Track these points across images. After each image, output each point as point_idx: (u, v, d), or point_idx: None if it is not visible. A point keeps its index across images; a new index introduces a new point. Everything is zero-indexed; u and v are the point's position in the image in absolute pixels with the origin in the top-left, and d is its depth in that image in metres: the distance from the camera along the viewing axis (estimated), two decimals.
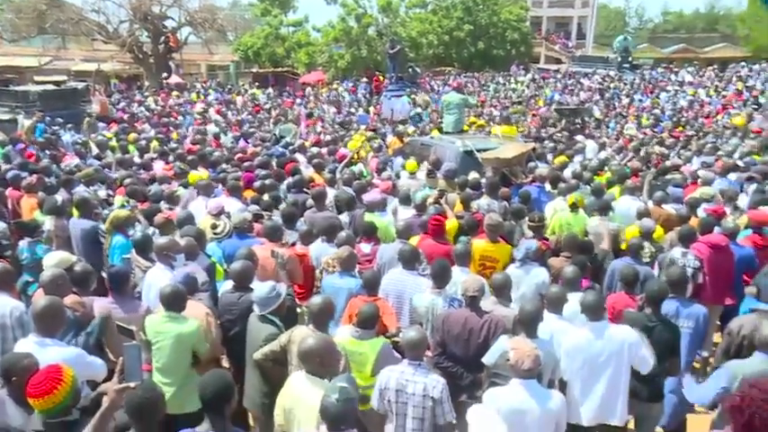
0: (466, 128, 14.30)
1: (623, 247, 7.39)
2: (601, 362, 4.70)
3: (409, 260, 6.08)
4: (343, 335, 4.90)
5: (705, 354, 6.94)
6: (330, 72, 42.05)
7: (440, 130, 14.61)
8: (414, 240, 6.94)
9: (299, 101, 29.44)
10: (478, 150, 10.66)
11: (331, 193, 8.90)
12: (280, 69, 43.78)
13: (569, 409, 4.70)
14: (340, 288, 5.93)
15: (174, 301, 4.88)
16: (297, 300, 6.25)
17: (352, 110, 25.66)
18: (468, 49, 45.25)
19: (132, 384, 3.36)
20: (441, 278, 5.65)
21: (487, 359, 4.73)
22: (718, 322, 7.07)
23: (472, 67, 42.74)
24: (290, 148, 13.20)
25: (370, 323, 4.85)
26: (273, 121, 20.48)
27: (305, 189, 9.09)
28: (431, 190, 9.05)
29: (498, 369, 4.55)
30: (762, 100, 22.86)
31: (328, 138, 15.67)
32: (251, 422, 5.45)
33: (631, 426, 5.26)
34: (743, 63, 35.48)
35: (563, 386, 4.82)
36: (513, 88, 31.76)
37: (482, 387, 4.74)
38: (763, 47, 43.31)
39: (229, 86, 37.02)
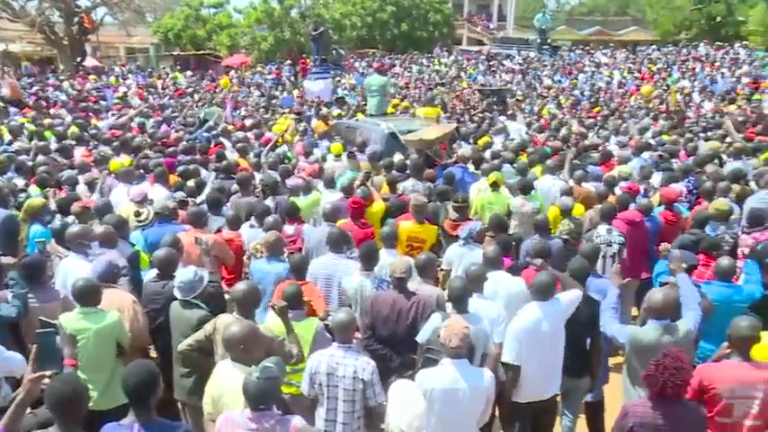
0: (391, 110, 14.32)
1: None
2: (548, 341, 4.78)
3: (337, 243, 6.09)
4: (273, 319, 4.85)
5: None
6: (253, 55, 41.23)
7: (363, 112, 14.58)
8: (341, 223, 6.93)
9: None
10: (403, 132, 10.69)
11: (257, 178, 8.76)
12: (201, 52, 42.64)
13: (519, 387, 4.85)
14: (268, 273, 5.88)
15: (86, 296, 4.67)
16: (225, 286, 6.15)
17: (277, 93, 25.27)
18: (392, 31, 45.20)
19: (48, 373, 3.22)
20: (368, 260, 5.69)
21: (421, 337, 4.78)
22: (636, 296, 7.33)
23: (396, 49, 42.70)
24: (213, 132, 12.91)
25: (294, 302, 4.83)
26: (199, 104, 19.95)
27: (231, 174, 8.92)
28: (353, 172, 9.04)
29: (432, 345, 4.61)
30: (669, 82, 23.79)
31: (252, 121, 15.37)
32: (181, 412, 5.35)
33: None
34: (653, 46, 36.88)
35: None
36: (436, 70, 31.96)
37: (414, 367, 4.78)
38: (669, 31, 45.09)
39: (150, 70, 35.77)
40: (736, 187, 8.15)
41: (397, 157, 9.69)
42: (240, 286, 4.74)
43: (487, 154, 10.41)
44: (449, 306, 4.94)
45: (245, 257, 6.64)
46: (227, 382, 3.94)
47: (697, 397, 4.17)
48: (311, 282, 5.79)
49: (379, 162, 9.53)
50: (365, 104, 15.01)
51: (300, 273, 5.68)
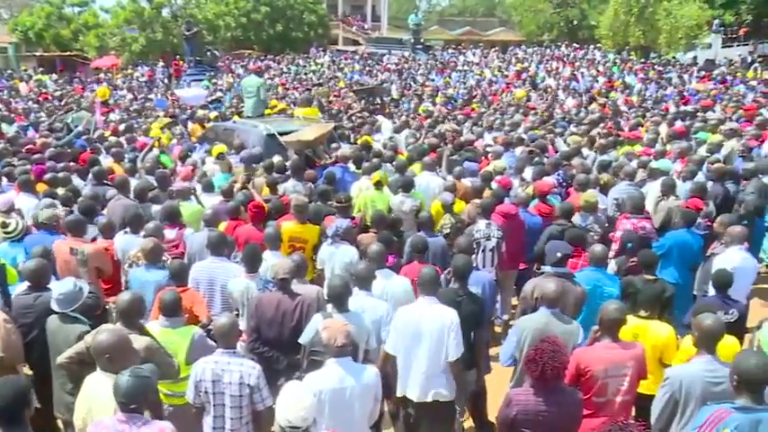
0: (269, 111, 14.15)
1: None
2: (427, 336, 4.75)
3: (217, 247, 6.01)
4: (153, 329, 4.68)
5: (506, 317, 7.50)
6: (124, 56, 39.43)
7: (240, 114, 14.32)
8: (222, 227, 6.79)
9: (94, 86, 27.29)
10: (281, 133, 10.57)
11: (132, 183, 8.38)
12: (68, 53, 40.32)
13: (399, 381, 4.87)
14: (147, 281, 5.68)
15: None
16: (105, 297, 5.90)
17: (151, 96, 24.33)
18: (267, 32, 44.66)
19: None
20: (252, 262, 5.67)
21: (303, 339, 4.76)
22: (515, 286, 7.60)
23: (272, 50, 42.22)
24: (86, 137, 12.23)
25: (172, 309, 4.70)
26: (65, 109, 18.82)
27: (105, 181, 8.51)
28: (225, 175, 8.90)
29: (315, 347, 4.58)
30: (537, 81, 25.00)
31: (124, 125, 14.69)
32: (60, 428, 5.05)
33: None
34: (521, 46, 38.64)
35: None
36: (313, 70, 31.90)
37: (300, 368, 4.74)
38: (533, 32, 47.46)
39: (10, 71, 33.32)
40: (604, 177, 8.67)
41: (277, 159, 9.58)
42: (124, 297, 4.57)
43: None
44: (329, 306, 4.93)
45: (125, 266, 6.34)
46: (95, 394, 3.78)
47: (575, 381, 4.36)
48: (193, 287, 5.65)
49: (258, 164, 9.38)
50: (242, 106, 14.74)
51: (181, 279, 5.52)
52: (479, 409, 5.75)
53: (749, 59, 29.20)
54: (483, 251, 6.95)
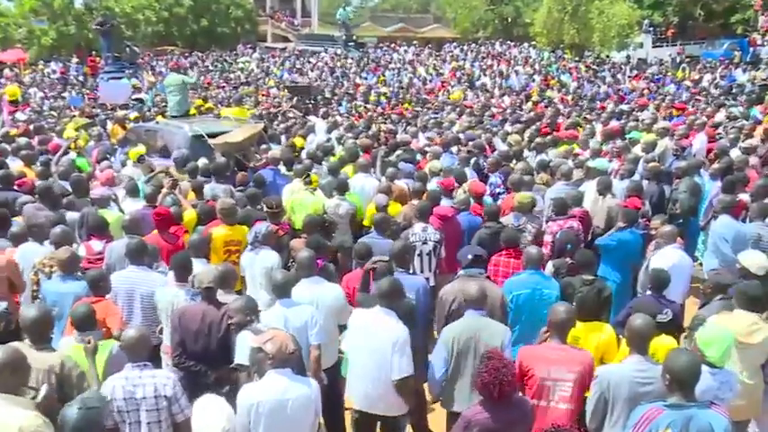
0: (193, 111, 13.87)
1: (366, 223, 7.71)
2: (375, 350, 4.71)
3: (137, 255, 5.86)
4: (67, 344, 4.54)
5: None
6: (33, 50, 37.90)
7: (164, 115, 14.01)
8: (147, 238, 6.58)
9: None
10: (208, 135, 10.38)
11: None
12: None
13: (348, 383, 4.87)
14: (65, 293, 5.48)
15: None
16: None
17: (65, 94, 23.52)
18: (191, 27, 43.91)
19: None
20: (181, 271, 5.55)
21: (240, 359, 4.60)
22: None
23: (196, 46, 41.46)
24: None
25: (85, 323, 4.54)
26: None
27: (11, 185, 8.14)
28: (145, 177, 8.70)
29: (250, 363, 4.45)
30: (473, 79, 25.38)
31: (34, 125, 14.12)
32: None
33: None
34: (455, 43, 39.16)
35: None
36: (240, 68, 31.50)
37: (231, 381, 4.68)
38: (467, 29, 48.19)
39: None
40: (543, 176, 8.83)
41: (203, 161, 9.39)
42: (30, 312, 4.34)
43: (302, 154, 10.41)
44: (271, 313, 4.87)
45: (30, 275, 6.05)
46: None
47: (518, 379, 4.42)
48: (110, 298, 5.49)
49: (184, 167, 9.19)
50: (165, 106, 14.41)
51: (99, 289, 5.35)
52: (419, 420, 5.74)
53: (678, 59, 30.46)
54: (420, 255, 6.91)
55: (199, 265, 5.74)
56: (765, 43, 31.68)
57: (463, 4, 48.54)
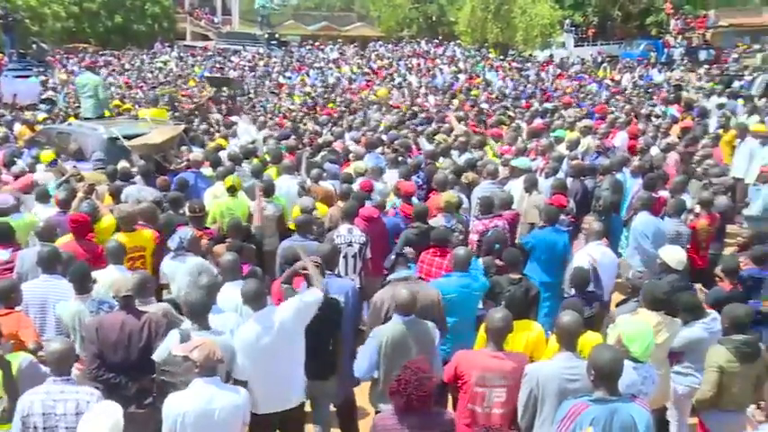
0: (107, 112, 13.46)
1: (291, 226, 7.65)
2: (271, 350, 4.69)
3: (50, 264, 5.66)
4: None
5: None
6: None
7: (77, 116, 13.55)
8: (63, 241, 6.41)
9: None
10: (126, 137, 10.08)
11: None
12: None
13: (256, 402, 4.72)
14: None
15: None
16: None
17: None
18: (104, 24, 42.46)
19: None
20: (80, 282, 5.37)
21: (158, 355, 4.56)
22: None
23: (111, 44, 40.12)
24: None
25: None
26: None
27: None
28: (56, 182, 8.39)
29: (167, 366, 4.44)
30: (398, 78, 25.51)
31: None
32: None
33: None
34: (380, 42, 39.31)
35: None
36: (159, 67, 30.73)
37: (152, 393, 4.59)
38: (392, 28, 48.46)
39: None
40: (469, 176, 8.97)
41: (122, 164, 9.12)
42: None
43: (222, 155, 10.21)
44: (187, 323, 4.76)
45: None
46: None
47: (451, 381, 4.55)
48: (21, 309, 5.28)
49: (101, 170, 8.93)
50: (78, 107, 13.93)
51: (7, 300, 5.14)
52: (349, 424, 5.73)
53: (599, 59, 31.52)
54: (345, 257, 6.91)
55: (118, 273, 5.60)
56: (677, 45, 33.17)
57: (387, 2, 48.70)
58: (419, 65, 28.90)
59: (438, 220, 7.49)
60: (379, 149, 10.86)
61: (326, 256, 5.72)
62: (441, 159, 10.22)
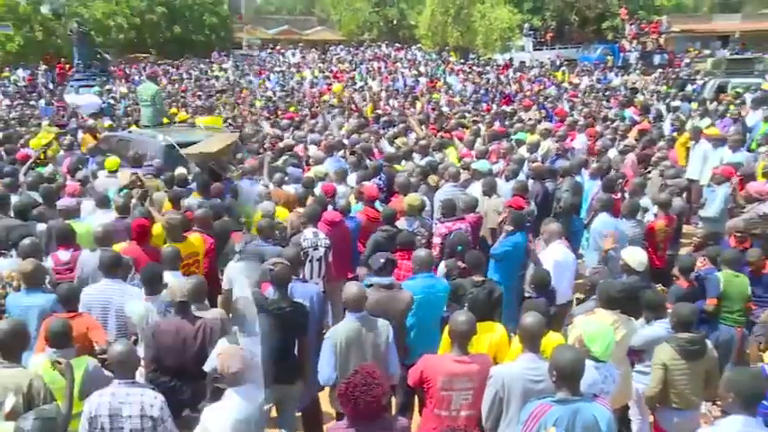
0: (167, 120, 13.33)
1: (253, 231, 7.59)
2: None
3: (110, 268, 5.72)
4: (39, 362, 4.49)
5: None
6: None
7: (137, 124, 13.53)
8: (120, 247, 6.40)
9: None
10: (182, 144, 9.97)
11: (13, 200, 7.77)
12: None
13: None
14: (29, 307, 5.39)
15: None
16: None
17: (33, 102, 22.06)
18: (164, 34, 42.24)
19: None
20: (151, 284, 5.50)
21: (208, 365, 4.64)
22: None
23: (170, 54, 39.64)
24: None
25: (61, 340, 4.46)
26: None
27: None
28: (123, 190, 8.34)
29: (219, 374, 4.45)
30: (358, 80, 25.56)
31: (2, 135, 13.42)
32: None
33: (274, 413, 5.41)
34: (341, 46, 39.31)
35: None
36: (215, 76, 30.38)
37: (206, 397, 4.65)
38: (353, 31, 48.56)
39: None
40: (432, 179, 8.99)
41: (179, 171, 9.11)
42: (2, 325, 4.26)
43: None
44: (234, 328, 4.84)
45: None
46: None
47: (418, 385, 4.58)
48: (86, 312, 5.32)
49: (159, 177, 9.02)
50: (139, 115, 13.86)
51: (71, 303, 5.25)
52: (314, 429, 5.74)
53: (558, 63, 31.97)
54: (310, 261, 6.92)
55: (172, 279, 5.65)
56: (633, 49, 33.82)
57: (347, 5, 48.82)
58: (380, 68, 28.96)
59: (401, 224, 7.52)
60: (341, 153, 10.85)
61: (292, 260, 5.74)
62: (402, 162, 10.24)
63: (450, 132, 13.10)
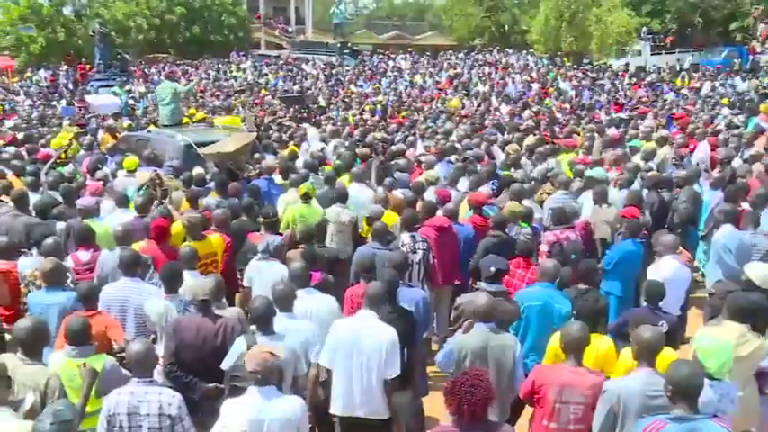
0: (186, 120, 13.92)
1: (364, 234, 7.73)
2: (363, 352, 4.75)
3: (130, 266, 5.85)
4: (58, 359, 4.53)
5: (443, 335, 7.51)
6: (21, 58, 37.91)
7: (156, 123, 14.05)
8: (138, 246, 6.59)
9: None
10: (199, 144, 10.39)
11: (33, 199, 8.09)
12: None
13: (332, 396, 4.86)
14: (50, 305, 5.48)
15: None
16: (3, 324, 5.66)
17: (54, 102, 23.54)
18: (183, 35, 43.94)
19: None
20: (170, 282, 5.57)
21: (226, 363, 4.68)
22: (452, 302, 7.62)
23: (188, 54, 41.48)
24: None
25: (80, 337, 4.53)
26: None
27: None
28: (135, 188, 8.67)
29: (237, 372, 4.54)
30: (472, 88, 25.45)
31: (23, 134, 14.16)
32: None
33: None
34: (451, 51, 39.29)
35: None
36: (234, 76, 31.53)
37: (222, 396, 4.68)
38: (464, 37, 48.41)
39: None
40: (546, 187, 8.87)
41: (197, 171, 9.42)
42: (24, 323, 4.37)
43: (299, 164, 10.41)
44: (252, 328, 4.87)
45: (22, 287, 6.08)
46: None
47: (529, 395, 4.51)
48: (104, 311, 5.47)
49: (178, 177, 9.24)
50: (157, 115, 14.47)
51: (90, 301, 5.32)
52: None
53: (677, 68, 30.65)
54: (410, 265, 6.88)
55: (190, 278, 5.75)
56: (765, 51, 31.90)
57: (459, 11, 48.72)
58: (490, 74, 28.75)
59: None
60: (452, 158, 10.86)
61: (399, 265, 5.80)
62: (512, 170, 10.15)
63: (561, 139, 12.87)
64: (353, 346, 4.78)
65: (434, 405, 5.37)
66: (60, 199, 8.18)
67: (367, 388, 4.80)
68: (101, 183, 9.05)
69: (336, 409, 4.90)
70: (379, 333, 4.79)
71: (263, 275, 6.19)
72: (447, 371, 4.93)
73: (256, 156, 10.79)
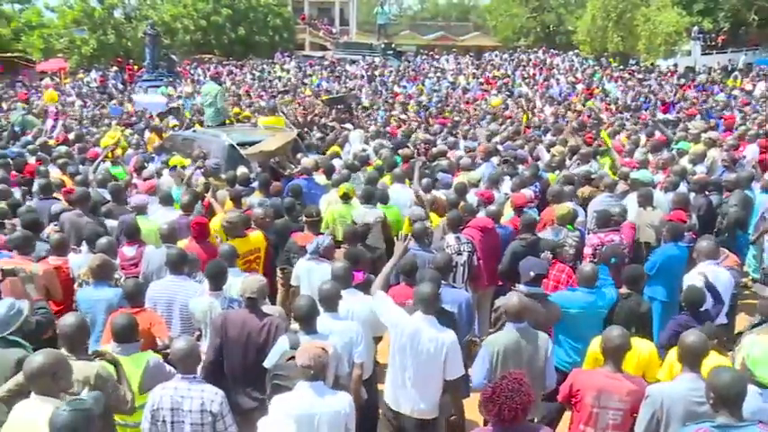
0: (231, 119, 14.12)
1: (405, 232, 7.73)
2: (421, 353, 4.74)
3: (176, 264, 5.94)
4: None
5: (485, 337, 7.48)
6: (73, 59, 38.88)
7: (201, 123, 14.31)
8: (183, 243, 6.71)
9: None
10: (242, 144, 10.51)
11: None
12: (9, 55, 39.32)
13: (386, 389, 4.92)
14: (97, 301, 5.58)
15: None
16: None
17: (103, 102, 24.08)
18: (229, 35, 44.50)
19: None
20: (215, 279, 5.62)
21: (268, 362, 4.70)
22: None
23: (234, 55, 42.02)
24: (30, 147, 12.01)
25: (125, 334, 4.58)
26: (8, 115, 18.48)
27: (54, 194, 8.37)
28: (177, 188, 8.83)
29: (279, 371, 4.56)
30: (516, 89, 25.26)
31: (74, 134, 14.50)
32: None
33: None
34: (495, 52, 39.05)
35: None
36: (278, 76, 31.83)
37: (266, 393, 4.70)
38: (508, 37, 48.10)
39: None
40: (586, 189, 8.78)
41: (241, 170, 9.54)
42: (68, 320, 4.43)
43: (337, 164, 10.48)
44: (294, 326, 4.90)
45: (76, 286, 6.22)
46: (26, 423, 3.57)
47: (566, 400, 4.49)
48: (150, 308, 5.56)
49: (220, 175, 9.36)
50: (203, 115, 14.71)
51: (136, 298, 5.40)
52: None
53: (729, 67, 29.90)
54: (455, 266, 6.88)
55: (232, 275, 5.80)
56: None
57: (504, 11, 48.50)
58: (535, 75, 28.48)
59: (546, 233, 7.40)
60: (495, 159, 10.81)
61: (442, 267, 5.80)
62: (556, 172, 10.05)
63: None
64: (414, 345, 4.77)
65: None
66: (108, 197, 8.35)
67: (422, 387, 4.82)
68: (154, 181, 9.23)
69: (396, 405, 4.92)
70: (441, 335, 4.76)
71: (312, 275, 6.20)
72: (481, 387, 4.91)
73: (299, 155, 10.88)
